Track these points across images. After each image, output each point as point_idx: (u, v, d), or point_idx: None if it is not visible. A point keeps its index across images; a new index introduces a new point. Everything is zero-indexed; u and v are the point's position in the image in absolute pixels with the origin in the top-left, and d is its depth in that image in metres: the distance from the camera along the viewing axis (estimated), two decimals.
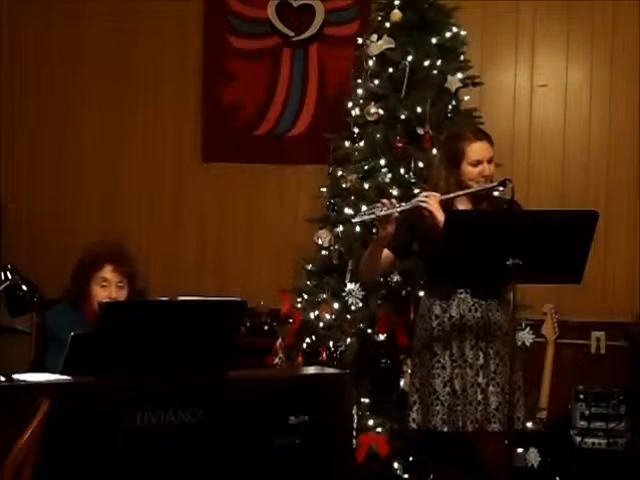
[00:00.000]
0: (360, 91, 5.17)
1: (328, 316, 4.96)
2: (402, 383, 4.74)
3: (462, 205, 3.96)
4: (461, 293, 3.90)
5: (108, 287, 3.71)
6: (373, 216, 3.85)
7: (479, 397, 3.83)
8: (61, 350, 3.46)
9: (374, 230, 4.07)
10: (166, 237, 6.25)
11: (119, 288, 3.72)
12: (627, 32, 5.78)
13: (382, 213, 3.80)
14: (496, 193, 4.02)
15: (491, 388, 3.84)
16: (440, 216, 3.81)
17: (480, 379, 3.84)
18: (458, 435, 3.88)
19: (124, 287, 3.73)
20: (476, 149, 3.92)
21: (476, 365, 3.85)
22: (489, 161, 3.93)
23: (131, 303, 3.54)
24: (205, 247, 6.21)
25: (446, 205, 3.88)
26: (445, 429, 3.85)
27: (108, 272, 3.72)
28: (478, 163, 3.90)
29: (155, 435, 2.93)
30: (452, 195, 3.89)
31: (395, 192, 4.80)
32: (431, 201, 3.85)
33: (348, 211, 5.06)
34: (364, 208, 4.09)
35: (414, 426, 3.95)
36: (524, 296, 4.47)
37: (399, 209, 3.84)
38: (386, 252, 3.96)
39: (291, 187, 6.11)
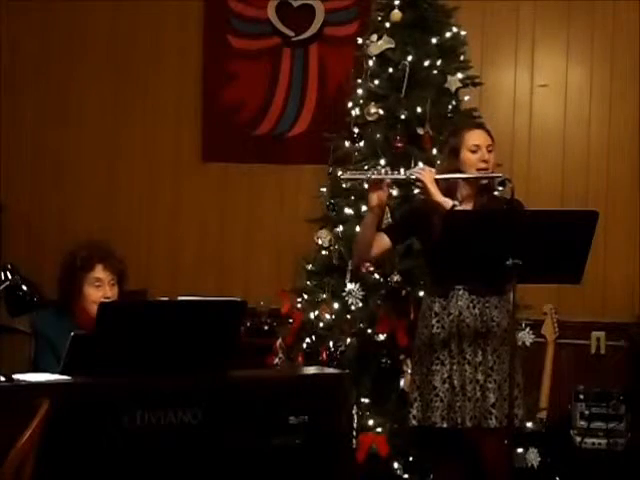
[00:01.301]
0: (360, 91, 5.18)
1: (328, 316, 4.96)
2: (402, 383, 4.75)
3: (464, 194, 3.96)
4: (459, 290, 3.91)
5: (102, 287, 3.67)
6: (363, 177, 3.88)
7: (477, 394, 3.85)
8: (52, 353, 3.47)
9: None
10: (166, 237, 6.25)
11: (111, 286, 3.70)
12: (627, 32, 5.79)
13: (373, 177, 3.82)
14: (496, 193, 4.02)
15: (488, 384, 3.85)
16: (433, 189, 3.84)
17: (478, 376, 3.86)
18: (458, 433, 3.89)
19: (115, 285, 3.72)
20: (474, 135, 3.94)
21: (474, 362, 3.87)
22: (488, 149, 3.93)
23: (131, 303, 3.52)
24: (205, 247, 6.21)
25: (448, 191, 3.89)
26: (444, 425, 3.87)
27: (100, 271, 3.67)
28: (477, 148, 3.91)
29: (155, 435, 2.92)
30: (449, 176, 3.91)
31: (395, 192, 4.80)
32: (426, 174, 3.87)
33: (348, 211, 5.06)
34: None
35: (415, 422, 3.96)
36: (524, 296, 4.47)
37: (391, 176, 3.87)
38: (382, 235, 3.96)
39: (291, 187, 6.12)
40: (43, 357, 3.55)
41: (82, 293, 3.66)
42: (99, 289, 3.67)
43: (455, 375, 3.88)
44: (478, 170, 3.91)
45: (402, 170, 3.98)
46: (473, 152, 3.91)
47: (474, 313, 3.90)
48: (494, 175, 3.91)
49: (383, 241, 4.00)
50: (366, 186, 4.09)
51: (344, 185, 5.11)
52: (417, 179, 3.90)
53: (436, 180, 3.90)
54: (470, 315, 3.90)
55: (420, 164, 4.02)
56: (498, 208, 3.95)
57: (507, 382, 3.79)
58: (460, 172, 3.93)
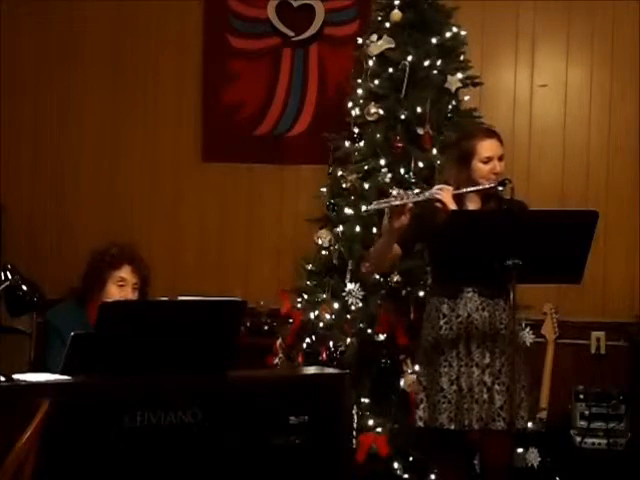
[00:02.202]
0: (360, 91, 5.18)
1: (328, 316, 4.97)
2: (402, 383, 4.75)
3: (472, 204, 3.98)
4: (468, 292, 3.91)
5: (125, 287, 3.73)
6: (388, 205, 3.88)
7: (485, 396, 3.84)
8: (63, 348, 3.47)
9: (387, 220, 4.06)
10: (166, 237, 6.24)
11: (134, 289, 3.75)
12: (627, 32, 5.79)
13: (397, 203, 3.83)
14: (506, 195, 4.02)
15: (496, 387, 3.84)
16: (453, 207, 3.84)
17: (486, 378, 3.84)
18: (461, 434, 3.89)
19: (137, 289, 3.76)
20: (487, 146, 3.94)
21: (482, 364, 3.86)
22: (499, 158, 3.95)
23: (131, 303, 3.53)
24: (205, 247, 6.21)
25: (457, 202, 3.91)
26: (452, 427, 3.86)
27: (127, 272, 3.74)
28: (489, 160, 3.92)
29: (155, 435, 2.92)
30: (464, 191, 3.91)
31: (395, 192, 4.79)
32: (445, 193, 3.88)
33: (348, 211, 5.06)
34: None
35: (421, 424, 3.96)
36: (524, 296, 4.47)
37: (413, 200, 3.87)
38: (395, 246, 3.97)
39: (291, 187, 6.11)
40: (55, 355, 3.56)
41: (104, 290, 3.71)
42: (122, 289, 3.72)
43: (463, 377, 3.86)
44: (488, 181, 3.92)
45: (425, 193, 3.99)
46: (485, 163, 3.92)
47: (483, 315, 3.89)
48: (495, 185, 3.92)
49: (396, 252, 4.00)
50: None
51: (344, 185, 5.11)
52: (438, 200, 3.90)
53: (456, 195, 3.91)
54: (479, 317, 3.89)
55: (438, 185, 4.01)
56: (498, 209, 3.95)
57: (514, 384, 3.81)
58: (470, 180, 3.93)
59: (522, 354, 4.07)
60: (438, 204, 3.89)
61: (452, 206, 3.84)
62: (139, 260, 3.80)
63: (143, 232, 6.21)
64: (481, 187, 3.93)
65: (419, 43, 5.10)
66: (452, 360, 3.89)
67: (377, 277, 4.88)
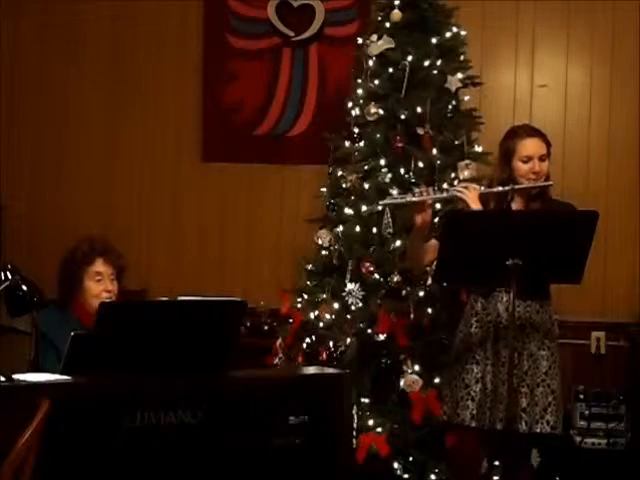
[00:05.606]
0: (360, 91, 5.18)
1: (328, 316, 4.96)
2: (402, 383, 4.75)
3: (516, 204, 3.95)
4: (500, 292, 3.90)
5: (102, 281, 3.70)
6: (402, 201, 3.87)
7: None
8: (53, 352, 3.48)
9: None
10: (166, 237, 6.25)
11: (112, 280, 3.72)
12: (627, 32, 5.79)
13: (413, 199, 3.82)
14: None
15: (521, 389, 3.81)
16: (476, 208, 3.83)
17: (512, 379, 3.82)
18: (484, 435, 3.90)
19: (115, 280, 3.74)
20: (526, 145, 3.93)
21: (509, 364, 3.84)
22: (541, 158, 3.93)
23: (131, 303, 3.53)
24: (205, 247, 6.21)
25: (500, 201, 3.91)
26: (473, 424, 3.87)
27: (101, 265, 3.71)
28: (528, 159, 3.91)
29: (155, 435, 2.92)
30: (493, 190, 3.90)
31: (395, 192, 4.79)
32: (469, 192, 3.87)
33: (348, 211, 5.06)
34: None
35: (445, 418, 4.00)
36: None
37: (432, 196, 3.86)
38: (437, 243, 3.95)
39: (291, 187, 6.12)
40: (45, 356, 3.56)
41: (83, 287, 3.69)
42: (100, 283, 3.70)
43: (488, 376, 3.86)
44: (528, 180, 3.91)
45: (449, 190, 3.99)
46: (524, 162, 3.91)
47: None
48: (542, 184, 3.92)
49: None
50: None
51: (344, 185, 5.11)
52: (460, 198, 3.89)
53: (483, 194, 3.89)
54: (508, 317, 3.82)
55: (463, 183, 4.01)
56: (497, 209, 3.94)
57: (540, 387, 3.82)
58: (512, 179, 3.91)
59: (558, 357, 3.97)
60: (461, 203, 3.88)
61: (474, 206, 3.82)
62: (111, 250, 3.77)
63: (143, 232, 6.22)
64: (494, 190, 3.92)
65: (419, 43, 5.10)
66: (480, 358, 3.89)
67: (377, 277, 4.89)
